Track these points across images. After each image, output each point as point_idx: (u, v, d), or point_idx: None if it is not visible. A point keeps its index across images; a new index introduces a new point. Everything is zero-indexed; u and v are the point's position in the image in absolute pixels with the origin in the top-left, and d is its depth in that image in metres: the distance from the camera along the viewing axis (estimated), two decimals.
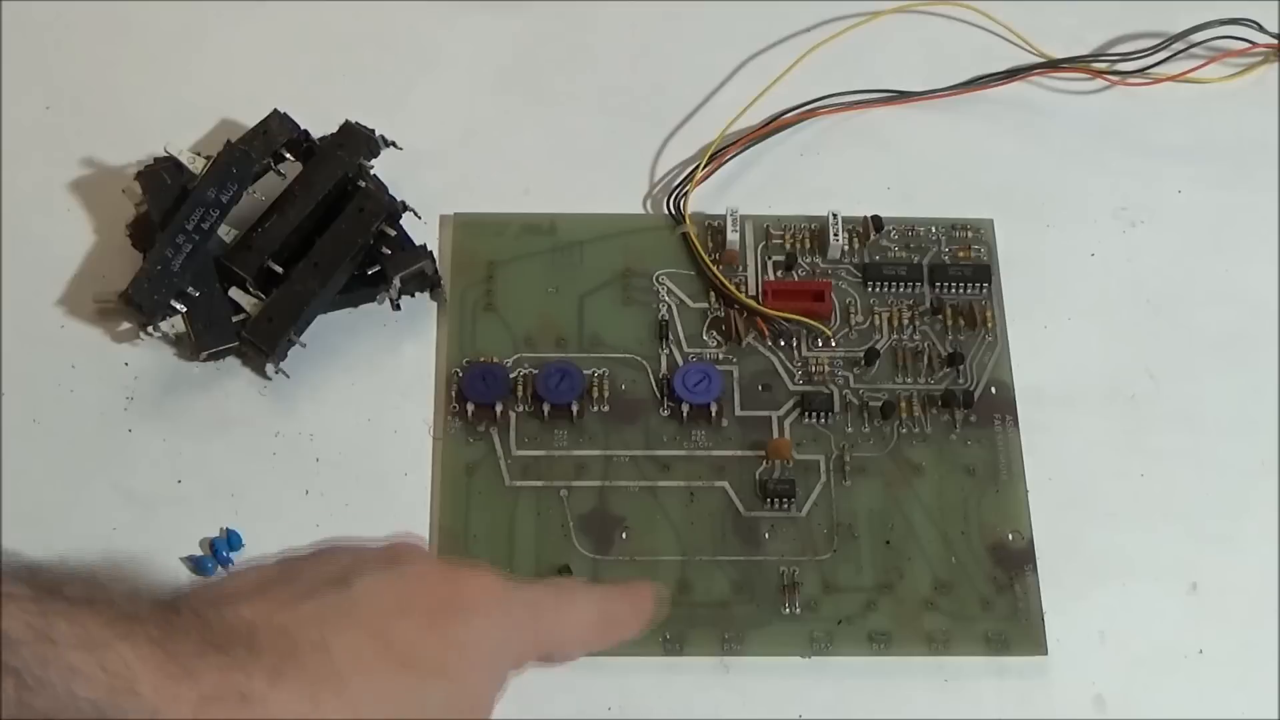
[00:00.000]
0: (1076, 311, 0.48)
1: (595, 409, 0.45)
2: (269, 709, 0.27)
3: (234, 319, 0.45)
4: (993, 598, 0.43)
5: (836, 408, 0.45)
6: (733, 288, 0.47)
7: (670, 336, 0.47)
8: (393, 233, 0.47)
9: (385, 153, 0.48)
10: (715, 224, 0.49)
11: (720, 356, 0.47)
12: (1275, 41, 0.53)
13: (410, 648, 0.30)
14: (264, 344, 0.44)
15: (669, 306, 0.47)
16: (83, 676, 0.25)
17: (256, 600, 0.30)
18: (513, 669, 0.33)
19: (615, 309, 0.47)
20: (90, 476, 0.44)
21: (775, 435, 0.45)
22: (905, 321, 0.47)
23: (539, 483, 0.44)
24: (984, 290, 0.48)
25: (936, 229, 0.49)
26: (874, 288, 0.48)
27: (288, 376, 0.45)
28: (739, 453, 0.45)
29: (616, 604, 0.36)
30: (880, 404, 0.45)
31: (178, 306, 0.45)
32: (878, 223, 0.49)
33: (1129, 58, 0.52)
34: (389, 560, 0.32)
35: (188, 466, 0.44)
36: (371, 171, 0.48)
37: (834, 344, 0.47)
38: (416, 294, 0.47)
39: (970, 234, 0.49)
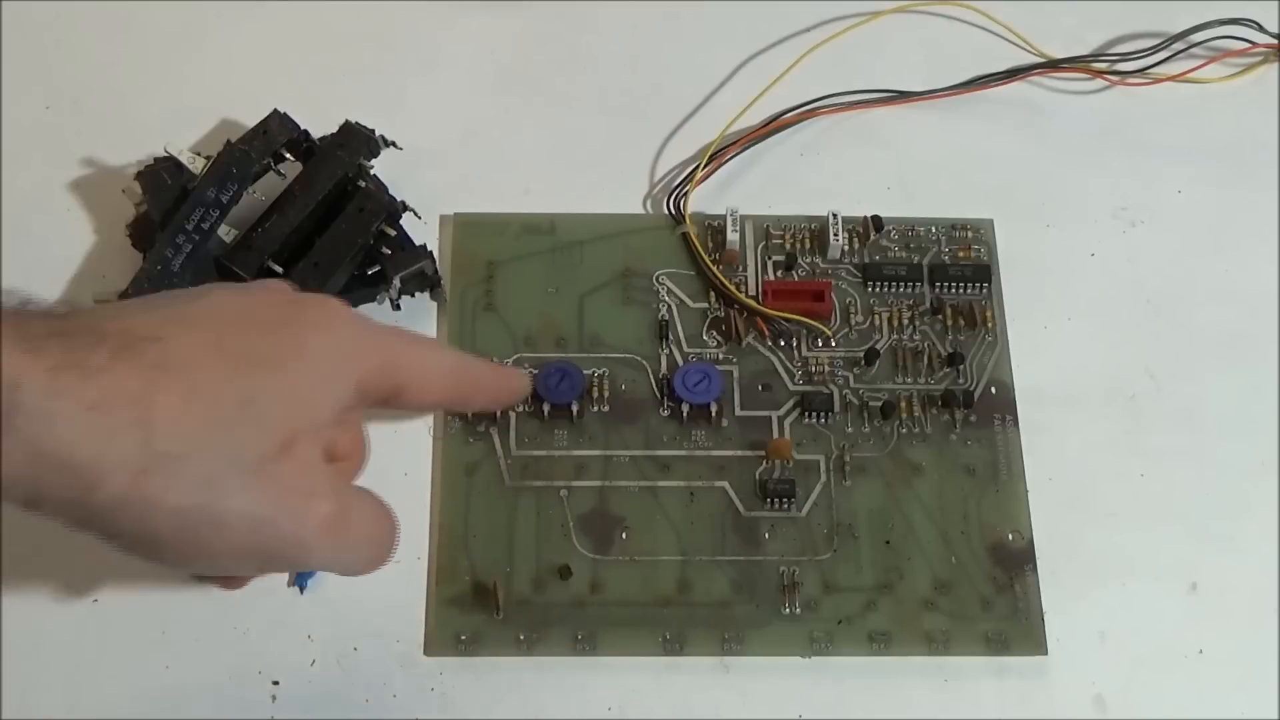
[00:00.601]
0: (1076, 311, 0.48)
1: (595, 409, 0.45)
2: (107, 385, 0.31)
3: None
4: (993, 598, 0.43)
5: (836, 408, 0.46)
6: (733, 288, 0.47)
7: (670, 336, 0.47)
8: (393, 233, 0.47)
9: (385, 153, 0.48)
10: (715, 224, 0.49)
11: (720, 356, 0.47)
12: (1275, 41, 0.53)
13: (243, 349, 0.33)
14: None
15: (669, 306, 0.47)
16: None
17: (111, 310, 0.33)
18: (347, 383, 0.35)
19: (615, 309, 0.47)
20: None
21: (775, 435, 0.45)
22: (905, 321, 0.47)
23: (539, 483, 0.44)
24: (984, 290, 0.48)
25: (936, 229, 0.49)
26: (874, 288, 0.48)
27: None
28: (739, 453, 0.45)
29: (477, 367, 0.38)
30: (880, 404, 0.45)
31: None
32: (878, 223, 0.49)
33: (1129, 58, 0.52)
34: (245, 285, 0.36)
35: None
36: (371, 171, 0.48)
37: (834, 344, 0.47)
38: (416, 294, 0.47)
39: (970, 234, 0.49)
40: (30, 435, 0.30)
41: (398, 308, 0.47)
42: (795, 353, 0.47)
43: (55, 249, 0.48)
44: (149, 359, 0.32)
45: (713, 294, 0.48)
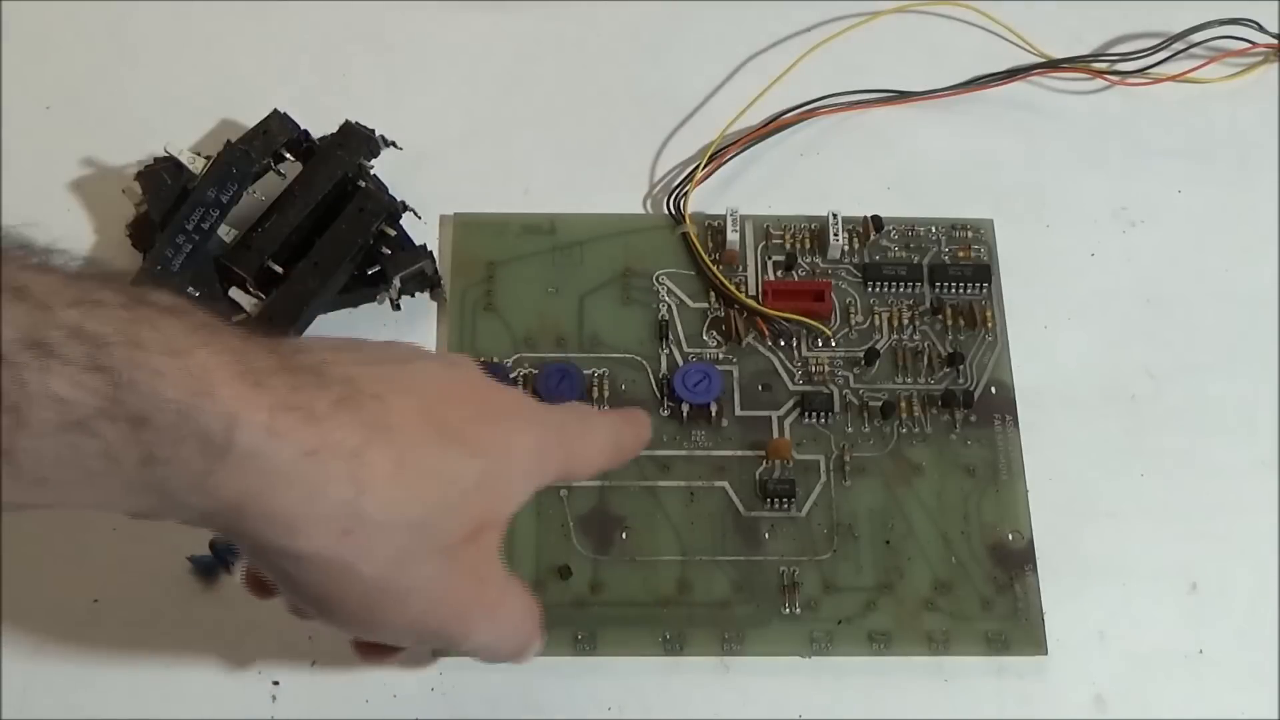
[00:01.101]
0: (1076, 311, 0.48)
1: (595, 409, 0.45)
2: (328, 433, 0.29)
3: (234, 319, 0.45)
4: (993, 598, 0.43)
5: (836, 408, 0.46)
6: (733, 288, 0.47)
7: (670, 336, 0.47)
8: (393, 233, 0.47)
9: (385, 153, 0.48)
10: (715, 224, 0.49)
11: (720, 356, 0.47)
12: (1275, 41, 0.53)
13: (457, 428, 0.32)
14: None
15: (669, 306, 0.47)
16: (167, 379, 0.27)
17: (327, 351, 0.32)
18: (539, 481, 0.35)
19: (615, 309, 0.47)
20: None
21: (775, 435, 0.45)
22: (905, 321, 0.47)
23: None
24: (984, 290, 0.48)
25: (936, 229, 0.49)
26: (874, 288, 0.48)
27: None
28: (739, 453, 0.45)
29: (622, 429, 0.38)
30: (880, 404, 0.45)
31: None
32: (878, 223, 0.49)
33: (1129, 58, 0.52)
34: (443, 357, 0.36)
35: None
36: (371, 171, 0.48)
37: (834, 344, 0.47)
38: (416, 294, 0.47)
39: (970, 234, 0.49)
40: (241, 473, 0.28)
41: (398, 308, 0.47)
42: (795, 353, 0.47)
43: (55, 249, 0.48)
44: (367, 415, 0.30)
45: (713, 294, 0.48)
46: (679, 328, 0.47)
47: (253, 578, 0.36)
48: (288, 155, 0.48)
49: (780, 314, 0.47)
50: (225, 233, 0.46)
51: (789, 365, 0.46)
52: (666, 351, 0.47)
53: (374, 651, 0.38)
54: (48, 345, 0.26)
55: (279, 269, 0.46)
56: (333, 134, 0.48)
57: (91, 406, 0.26)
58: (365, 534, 0.30)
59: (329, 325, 0.46)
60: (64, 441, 0.26)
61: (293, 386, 0.29)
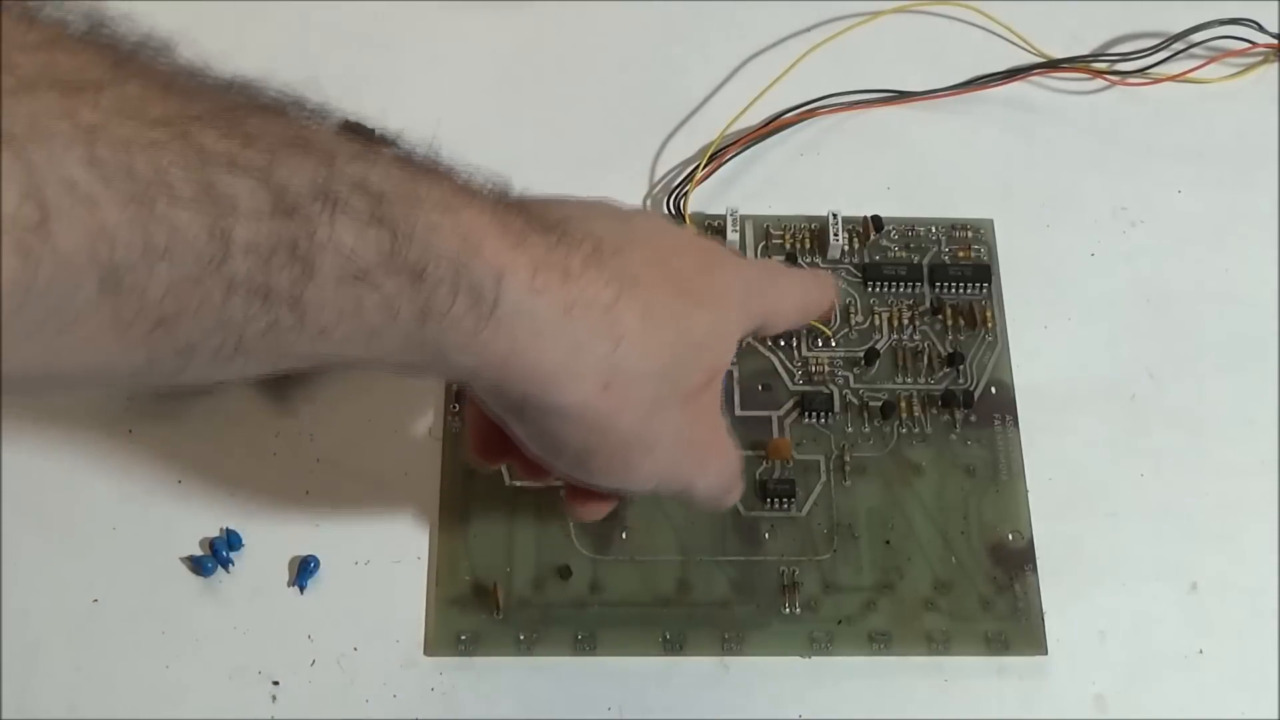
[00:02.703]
0: (1076, 311, 0.48)
1: None
2: (584, 290, 0.30)
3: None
4: (993, 598, 0.43)
5: (836, 408, 0.46)
6: None
7: None
8: None
9: None
10: (715, 224, 0.49)
11: None
12: (1275, 41, 0.53)
13: (686, 279, 0.34)
14: None
15: None
16: (441, 232, 0.28)
17: (564, 209, 0.32)
18: (745, 331, 0.37)
19: None
20: (90, 476, 0.44)
21: (775, 435, 0.45)
22: (905, 321, 0.47)
23: (539, 483, 0.44)
24: (984, 290, 0.48)
25: (936, 229, 0.49)
26: (874, 288, 0.48)
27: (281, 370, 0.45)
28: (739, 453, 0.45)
29: (811, 288, 0.40)
30: (880, 404, 0.45)
31: None
32: (878, 223, 0.49)
33: (1129, 58, 0.52)
34: (645, 212, 0.38)
35: (188, 466, 0.44)
36: None
37: (834, 344, 0.47)
38: None
39: (970, 234, 0.49)
40: (508, 329, 0.29)
41: None
42: (795, 353, 0.47)
43: None
44: (614, 270, 0.31)
45: None
46: None
47: (485, 439, 0.37)
48: None
49: None
50: None
51: (789, 365, 0.46)
52: None
53: (592, 499, 0.38)
54: (335, 196, 0.26)
55: None
56: None
57: (374, 258, 0.27)
58: (622, 386, 0.31)
59: None
60: (347, 293, 0.27)
61: (548, 246, 0.30)
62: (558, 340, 0.30)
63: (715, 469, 0.37)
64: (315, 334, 0.27)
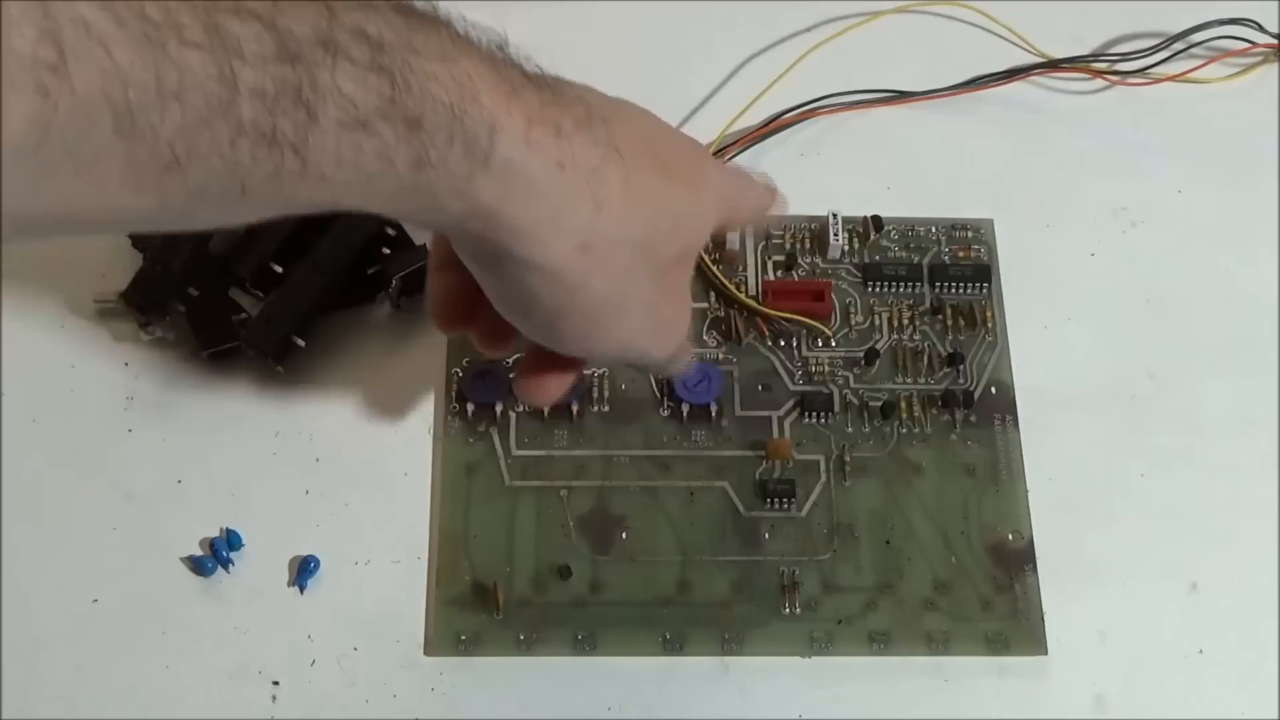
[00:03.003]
0: (1076, 311, 0.48)
1: (595, 409, 0.45)
2: (574, 150, 0.31)
3: (234, 319, 0.45)
4: (993, 598, 0.43)
5: (836, 408, 0.46)
6: (733, 288, 0.47)
7: None
8: (393, 233, 0.47)
9: None
10: None
11: (720, 356, 0.47)
12: (1275, 41, 0.53)
13: (668, 159, 0.35)
14: (263, 345, 0.44)
15: None
16: (438, 81, 0.28)
17: (551, 75, 0.32)
18: (715, 221, 0.38)
19: None
20: (90, 476, 0.44)
21: (775, 435, 0.45)
22: (905, 321, 0.47)
23: (539, 483, 0.44)
24: (984, 290, 0.48)
25: (936, 229, 0.49)
26: (874, 288, 0.48)
27: (281, 370, 0.45)
28: (739, 453, 0.45)
29: (764, 194, 0.42)
30: (880, 404, 0.45)
31: (178, 307, 0.45)
32: (878, 223, 0.49)
33: (1129, 58, 0.52)
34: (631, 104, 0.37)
35: (188, 466, 0.44)
36: None
37: (834, 344, 0.47)
38: (416, 294, 0.47)
39: (970, 234, 0.49)
40: (500, 180, 0.30)
41: (398, 307, 0.47)
42: (795, 353, 0.47)
43: (55, 249, 0.48)
44: (602, 136, 0.32)
45: (713, 294, 0.48)
46: None
47: (449, 304, 0.38)
48: None
49: (780, 314, 0.47)
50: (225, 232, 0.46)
51: (789, 365, 0.46)
52: None
53: (549, 375, 0.39)
54: (336, 44, 0.26)
55: (279, 269, 0.46)
56: None
57: (373, 106, 0.27)
58: (600, 249, 0.32)
59: (329, 325, 0.46)
60: (347, 140, 0.27)
61: (542, 101, 0.30)
62: (545, 196, 0.31)
63: (675, 341, 0.38)
64: (316, 180, 0.27)
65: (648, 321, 0.36)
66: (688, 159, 0.37)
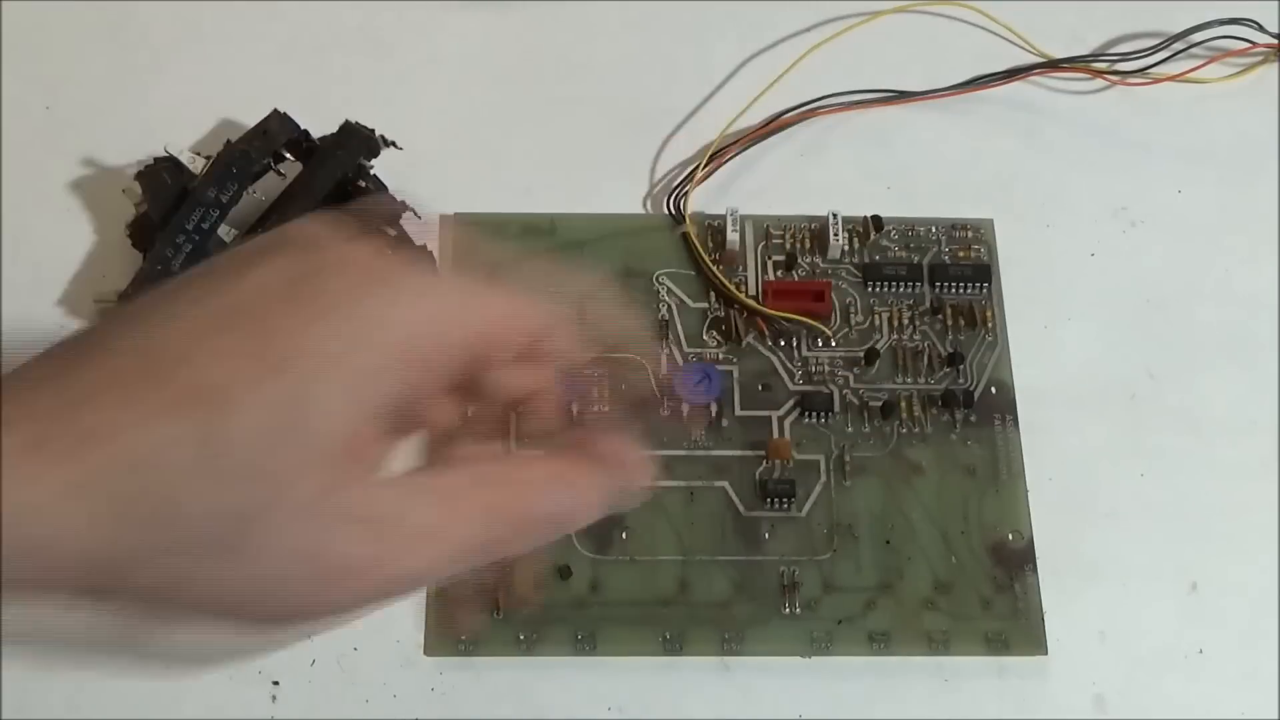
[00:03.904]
0: (1076, 311, 0.48)
1: (595, 409, 0.45)
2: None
3: None
4: (993, 598, 0.43)
5: (836, 408, 0.46)
6: (733, 288, 0.47)
7: (670, 336, 0.47)
8: (393, 232, 0.47)
9: (385, 153, 0.48)
10: (715, 224, 0.49)
11: (720, 356, 0.47)
12: (1275, 41, 0.53)
13: (291, 338, 0.25)
14: None
15: (669, 306, 0.47)
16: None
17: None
18: (442, 359, 0.27)
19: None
20: None
21: (775, 435, 0.45)
22: (905, 321, 0.47)
23: None
24: (984, 290, 0.48)
25: (936, 229, 0.49)
26: (874, 288, 0.48)
27: None
28: (739, 453, 0.45)
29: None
30: (880, 404, 0.45)
31: None
32: (878, 223, 0.49)
33: (1129, 58, 0.52)
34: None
35: None
36: (371, 171, 0.48)
37: (834, 344, 0.47)
38: None
39: (970, 234, 0.49)
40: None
41: None
42: (795, 353, 0.47)
43: (55, 249, 0.48)
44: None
45: (713, 294, 0.48)
46: (679, 328, 0.47)
47: None
48: (288, 155, 0.48)
49: (780, 314, 0.47)
50: (225, 233, 0.46)
51: (789, 365, 0.46)
52: (666, 351, 0.47)
53: None
54: None
55: None
56: (333, 134, 0.48)
57: None
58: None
59: None
60: None
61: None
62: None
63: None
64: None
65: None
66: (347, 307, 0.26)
